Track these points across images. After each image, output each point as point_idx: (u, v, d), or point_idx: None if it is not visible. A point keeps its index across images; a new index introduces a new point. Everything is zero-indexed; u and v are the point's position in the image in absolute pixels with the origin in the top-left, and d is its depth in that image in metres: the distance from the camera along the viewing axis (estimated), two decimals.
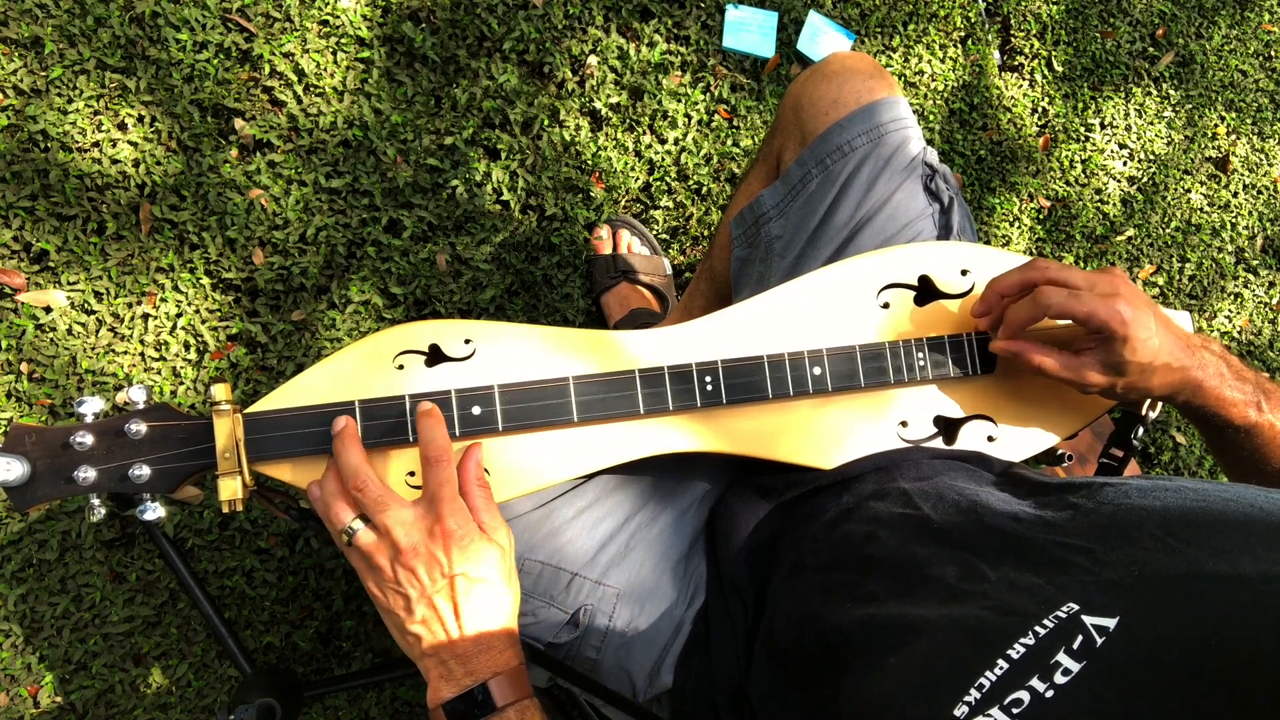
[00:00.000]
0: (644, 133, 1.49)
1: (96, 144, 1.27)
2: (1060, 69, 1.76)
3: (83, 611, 1.25)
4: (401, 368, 0.69)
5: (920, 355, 0.76)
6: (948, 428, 0.78)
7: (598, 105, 1.45)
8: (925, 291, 0.79)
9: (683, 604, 0.79)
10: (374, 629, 1.34)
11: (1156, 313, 0.67)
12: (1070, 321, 0.70)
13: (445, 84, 1.40)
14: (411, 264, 1.36)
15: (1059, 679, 0.44)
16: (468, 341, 0.71)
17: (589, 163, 1.45)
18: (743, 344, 0.75)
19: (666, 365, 0.72)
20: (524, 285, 1.42)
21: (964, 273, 0.79)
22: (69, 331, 1.25)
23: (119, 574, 1.27)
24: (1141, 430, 0.80)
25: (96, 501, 0.64)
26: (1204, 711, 0.39)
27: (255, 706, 0.96)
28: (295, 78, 1.33)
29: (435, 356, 0.70)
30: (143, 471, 0.64)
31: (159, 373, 1.28)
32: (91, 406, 0.64)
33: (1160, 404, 0.80)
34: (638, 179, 1.48)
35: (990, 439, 0.78)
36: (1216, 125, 1.87)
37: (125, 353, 1.27)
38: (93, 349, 1.26)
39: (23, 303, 1.23)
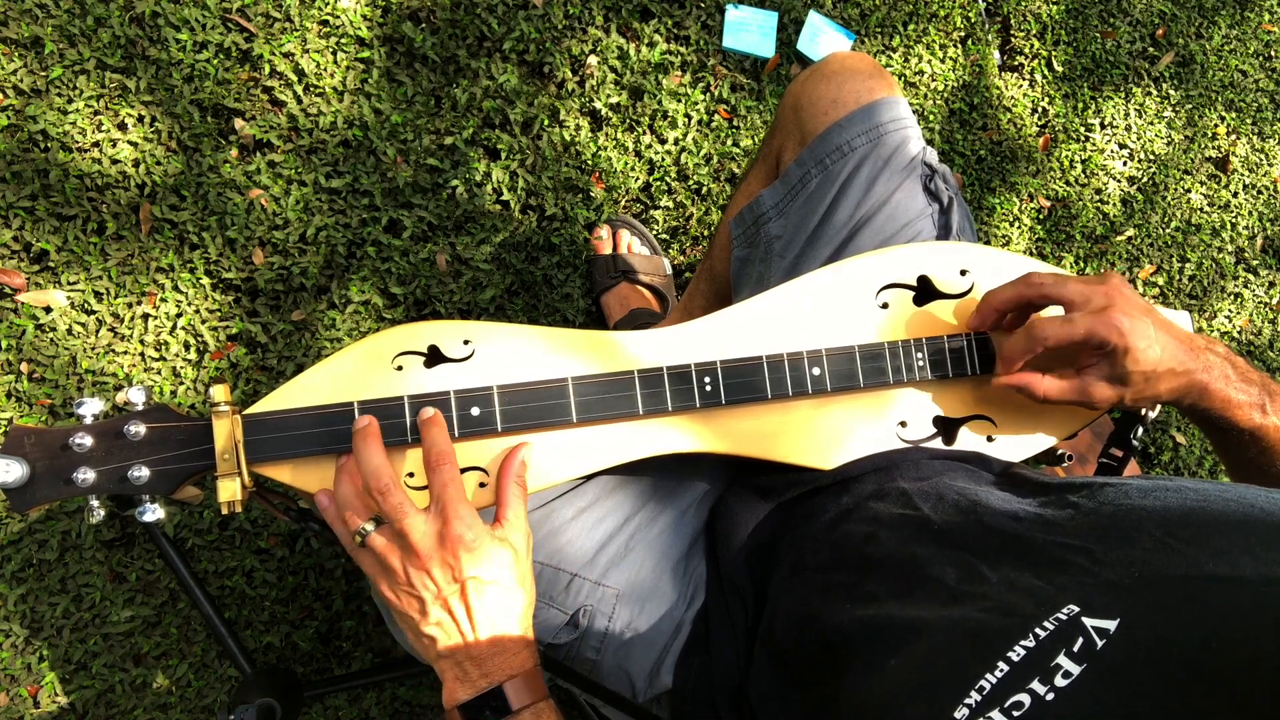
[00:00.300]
0: (644, 133, 1.48)
1: (96, 144, 1.27)
2: (1060, 69, 1.76)
3: (83, 611, 1.25)
4: (400, 369, 0.69)
5: (919, 355, 0.76)
6: (947, 428, 0.78)
7: (598, 105, 1.45)
8: (924, 292, 0.79)
9: (682, 604, 0.79)
10: (374, 629, 1.34)
11: (1155, 318, 0.67)
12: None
13: (445, 84, 1.40)
14: (411, 264, 1.36)
15: (1059, 681, 0.44)
16: (467, 342, 0.71)
17: (589, 163, 1.45)
18: (742, 344, 0.75)
19: (666, 366, 0.72)
20: (524, 285, 1.42)
21: (963, 273, 0.79)
22: (69, 331, 1.25)
23: (119, 574, 1.27)
24: (1141, 430, 0.80)
25: (96, 503, 0.64)
26: (1204, 712, 0.39)
27: (255, 706, 0.96)
28: (295, 78, 1.33)
29: (434, 357, 0.70)
30: (142, 473, 0.64)
31: (159, 373, 1.28)
32: (91, 408, 0.64)
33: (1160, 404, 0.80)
34: (638, 179, 1.48)
35: (990, 439, 0.78)
36: (1216, 125, 1.87)
37: (125, 353, 1.27)
38: (93, 349, 1.26)
39: (23, 303, 1.23)
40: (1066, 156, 1.75)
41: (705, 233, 1.52)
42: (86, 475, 0.63)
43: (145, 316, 1.28)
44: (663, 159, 1.49)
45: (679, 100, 1.49)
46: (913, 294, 0.78)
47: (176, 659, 1.28)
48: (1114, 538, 0.52)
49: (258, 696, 0.98)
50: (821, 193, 0.88)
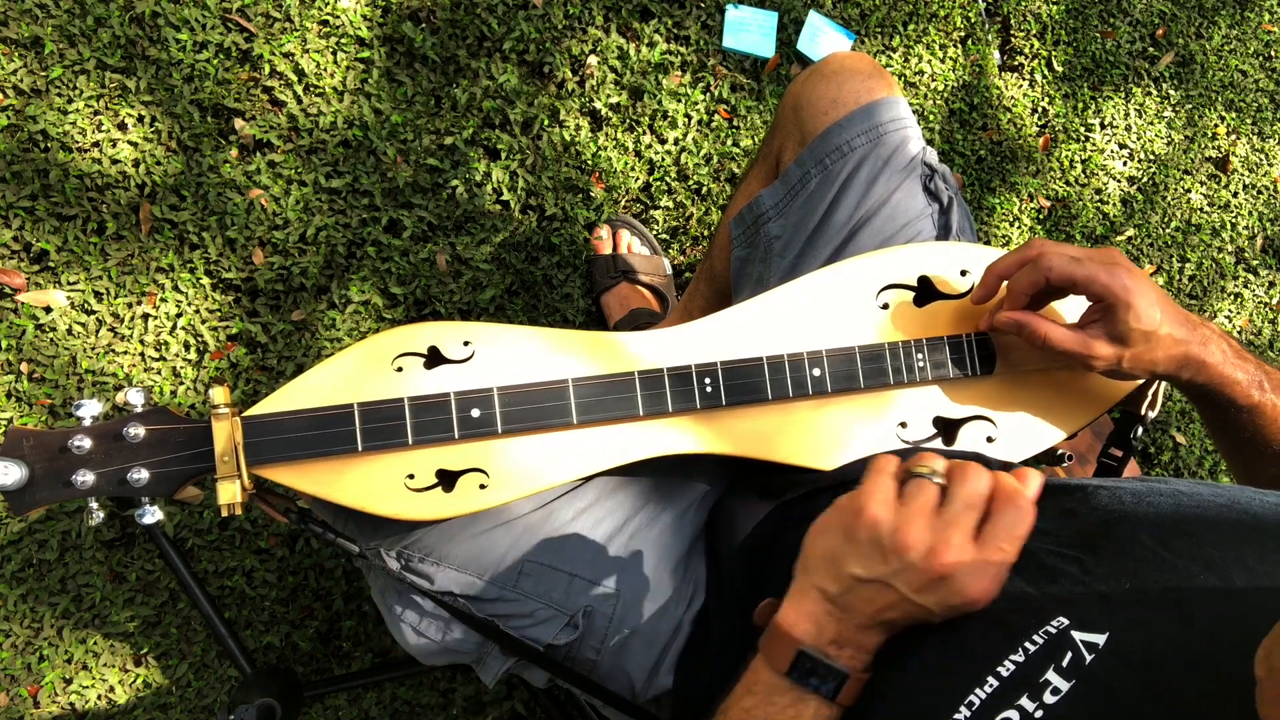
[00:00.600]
0: (644, 133, 1.48)
1: (96, 144, 1.27)
2: (1060, 69, 1.75)
3: (83, 611, 1.25)
4: (400, 370, 0.69)
5: (920, 356, 0.76)
6: (947, 428, 0.78)
7: (598, 105, 1.44)
8: (925, 292, 0.79)
9: (682, 605, 0.79)
10: (374, 629, 1.34)
11: (1156, 287, 0.67)
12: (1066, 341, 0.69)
13: (445, 84, 1.40)
14: (411, 264, 1.36)
15: (1048, 698, 0.44)
16: (467, 343, 0.71)
17: (589, 163, 1.45)
18: (742, 345, 0.75)
19: (666, 367, 0.72)
20: (524, 285, 1.42)
21: (963, 273, 0.79)
22: (69, 331, 1.25)
23: (119, 574, 1.27)
24: (1141, 430, 0.80)
25: (95, 504, 0.64)
26: None
27: (255, 706, 0.96)
28: (295, 78, 1.33)
29: (434, 358, 0.70)
30: (141, 475, 0.64)
31: (159, 373, 1.28)
32: (90, 409, 0.64)
33: (1160, 403, 0.80)
34: (638, 179, 1.48)
35: (990, 439, 0.78)
36: (1216, 125, 1.87)
37: (125, 353, 1.27)
38: (93, 349, 1.26)
39: (23, 303, 1.23)
40: (1066, 156, 1.75)
41: (705, 233, 1.52)
42: (86, 477, 0.63)
43: (145, 316, 1.28)
44: (663, 159, 1.49)
45: (679, 100, 1.49)
46: (913, 294, 0.78)
47: (176, 659, 1.28)
48: (1106, 547, 0.52)
49: (258, 696, 0.98)
50: (821, 193, 0.88)
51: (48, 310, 1.24)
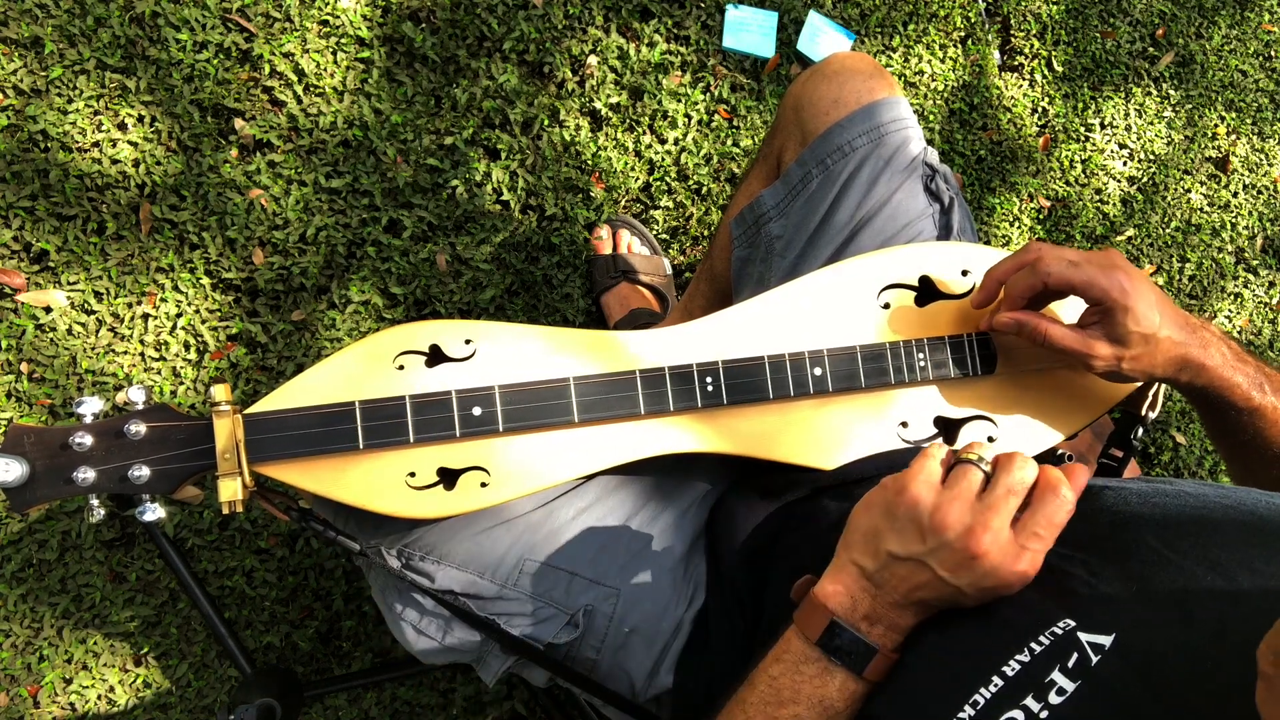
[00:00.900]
0: (644, 133, 1.48)
1: (96, 144, 1.27)
2: (1060, 69, 1.76)
3: (83, 611, 1.25)
4: (402, 368, 0.69)
5: (921, 356, 0.76)
6: (948, 428, 0.78)
7: (598, 105, 1.45)
8: (926, 292, 0.79)
9: (682, 604, 0.79)
10: (374, 629, 1.34)
11: (1155, 289, 0.67)
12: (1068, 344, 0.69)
13: (445, 84, 1.40)
14: (411, 264, 1.36)
15: (1053, 699, 0.44)
16: (468, 342, 0.71)
17: (589, 163, 1.45)
18: (743, 344, 0.75)
19: (667, 366, 0.72)
20: (524, 285, 1.42)
21: (964, 273, 0.79)
22: (69, 331, 1.25)
23: (119, 574, 1.27)
24: (1141, 430, 0.80)
25: (95, 502, 0.64)
26: None
27: (255, 706, 0.96)
28: (295, 78, 1.33)
29: (435, 357, 0.70)
30: (142, 472, 0.64)
31: (159, 373, 1.28)
32: (91, 407, 0.64)
33: (1160, 403, 0.80)
34: (638, 179, 1.48)
35: (990, 439, 0.78)
36: (1216, 125, 1.87)
37: (125, 353, 1.27)
38: (93, 349, 1.26)
39: (23, 303, 1.23)
40: (1066, 156, 1.75)
41: (705, 233, 1.52)
42: (86, 474, 0.63)
43: (145, 316, 1.28)
44: (663, 159, 1.49)
45: (679, 100, 1.49)
46: (914, 294, 0.78)
47: (176, 659, 1.28)
48: (1112, 549, 0.52)
49: (258, 696, 0.98)
50: (822, 193, 0.88)
51: (48, 310, 1.24)
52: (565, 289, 1.44)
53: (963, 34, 1.69)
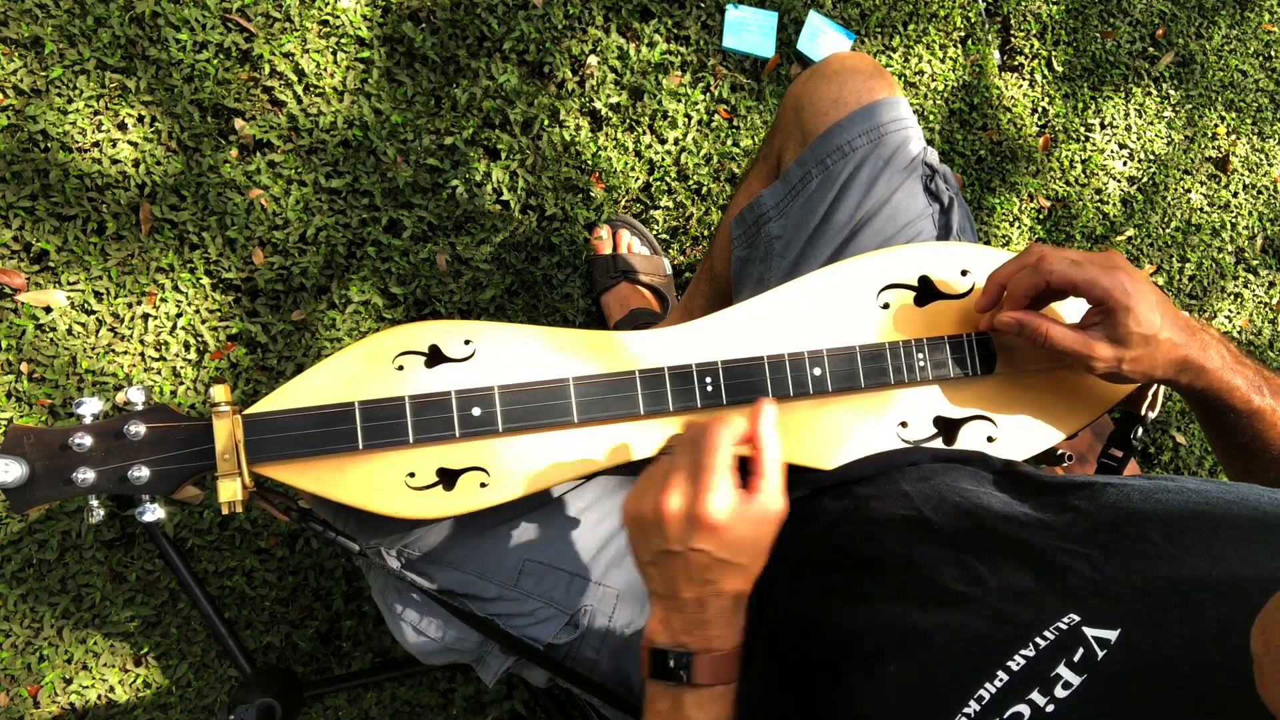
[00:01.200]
0: (644, 133, 1.48)
1: (96, 144, 1.27)
2: (1060, 69, 1.76)
3: (83, 611, 1.25)
4: (401, 368, 0.69)
5: (920, 356, 0.76)
6: (947, 428, 0.78)
7: (598, 105, 1.45)
8: (925, 292, 0.79)
9: None
10: (374, 629, 1.34)
11: (1156, 290, 0.67)
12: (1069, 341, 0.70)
13: (445, 84, 1.40)
14: (411, 264, 1.36)
15: (1059, 693, 0.44)
16: (468, 342, 0.71)
17: (589, 163, 1.45)
18: (743, 344, 0.75)
19: (667, 366, 0.72)
20: (524, 285, 1.42)
21: (964, 273, 0.79)
22: (69, 331, 1.25)
23: (119, 574, 1.27)
24: (1141, 430, 0.80)
25: (95, 503, 0.64)
26: None
27: (255, 706, 0.96)
28: (295, 78, 1.33)
29: (435, 357, 0.70)
30: (142, 473, 0.64)
31: (159, 373, 1.28)
32: (90, 407, 0.64)
33: (1160, 403, 0.80)
34: (638, 179, 1.48)
35: (990, 439, 0.78)
36: (1216, 125, 1.87)
37: (125, 353, 1.27)
38: (93, 349, 1.26)
39: (23, 303, 1.23)
40: (1066, 156, 1.75)
41: (705, 233, 1.52)
42: (86, 475, 0.63)
43: (145, 316, 1.28)
44: (663, 159, 1.49)
45: (679, 100, 1.49)
46: (914, 294, 0.78)
47: (176, 659, 1.28)
48: (1115, 544, 0.52)
49: (258, 696, 0.98)
50: (822, 193, 0.88)
51: (48, 310, 1.24)
52: (565, 289, 1.44)
53: (963, 34, 1.69)
